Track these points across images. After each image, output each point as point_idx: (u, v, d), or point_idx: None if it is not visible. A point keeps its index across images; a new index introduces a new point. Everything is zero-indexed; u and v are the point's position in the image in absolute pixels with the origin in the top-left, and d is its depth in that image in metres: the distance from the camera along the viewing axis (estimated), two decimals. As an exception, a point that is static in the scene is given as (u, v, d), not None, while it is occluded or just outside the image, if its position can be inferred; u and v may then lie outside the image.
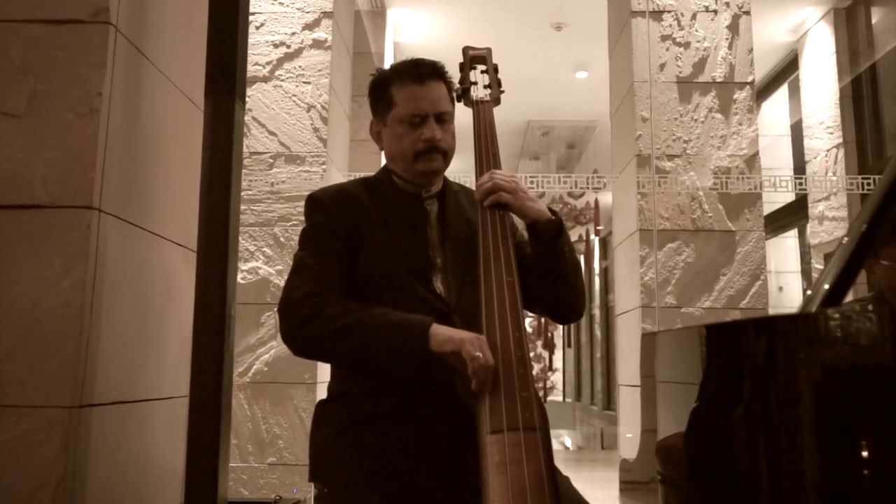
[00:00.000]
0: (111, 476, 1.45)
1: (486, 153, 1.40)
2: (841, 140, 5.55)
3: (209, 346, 1.51)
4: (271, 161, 3.51)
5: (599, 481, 5.34)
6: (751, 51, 3.53)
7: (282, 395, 3.33)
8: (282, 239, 3.45)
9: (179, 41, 1.76)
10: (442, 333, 1.17)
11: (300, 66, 3.59)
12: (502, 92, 1.50)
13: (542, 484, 1.05)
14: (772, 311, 7.37)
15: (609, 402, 13.23)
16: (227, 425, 1.61)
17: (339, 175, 3.79)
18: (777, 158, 7.40)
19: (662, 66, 3.50)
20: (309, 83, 3.57)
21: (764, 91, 7.06)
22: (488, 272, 1.24)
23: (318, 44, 3.60)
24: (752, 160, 3.45)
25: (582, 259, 11.17)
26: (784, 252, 7.41)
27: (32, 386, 1.31)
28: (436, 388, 1.21)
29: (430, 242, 1.36)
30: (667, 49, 3.51)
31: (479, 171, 1.39)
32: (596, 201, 8.63)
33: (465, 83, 1.48)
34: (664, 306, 3.33)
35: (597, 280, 14.45)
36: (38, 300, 1.33)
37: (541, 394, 9.69)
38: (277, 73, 3.59)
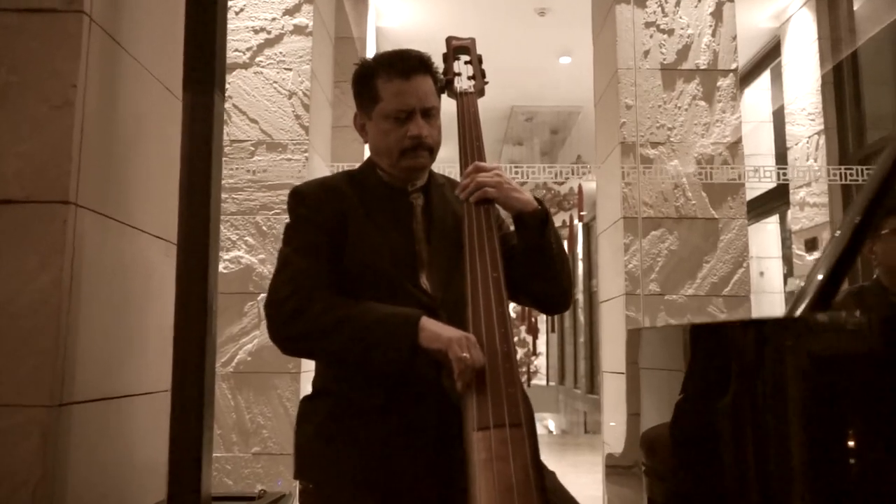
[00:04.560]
0: (93, 474, 1.43)
1: (471, 146, 1.39)
2: (822, 127, 5.58)
3: (191, 341, 1.49)
4: (252, 149, 3.47)
5: (583, 465, 5.40)
6: (734, 38, 3.53)
7: (265, 384, 3.31)
8: (264, 227, 3.42)
9: (157, 30, 1.72)
10: (431, 329, 1.16)
11: (281, 53, 3.53)
12: (486, 83, 1.48)
13: (529, 480, 1.05)
14: (753, 297, 7.42)
15: (592, 386, 13.33)
16: (210, 419, 1.59)
17: (321, 163, 3.76)
18: (759, 144, 7.43)
19: (646, 54, 3.49)
20: (290, 70, 3.52)
21: (746, 77, 7.08)
22: (474, 268, 1.23)
23: (298, 29, 3.55)
24: (735, 148, 3.46)
25: (565, 244, 11.21)
26: (765, 237, 7.47)
27: (9, 384, 1.28)
28: (422, 382, 1.20)
29: (416, 237, 1.34)
30: (651, 36, 3.49)
31: (464, 165, 1.37)
32: (580, 187, 8.65)
33: (449, 74, 1.46)
34: (648, 293, 3.34)
35: (580, 265, 14.51)
36: (14, 297, 1.31)
37: (524, 378, 9.72)
38: (258, 59, 3.54)
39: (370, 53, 5.91)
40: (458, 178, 1.43)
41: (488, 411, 1.10)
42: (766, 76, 7.10)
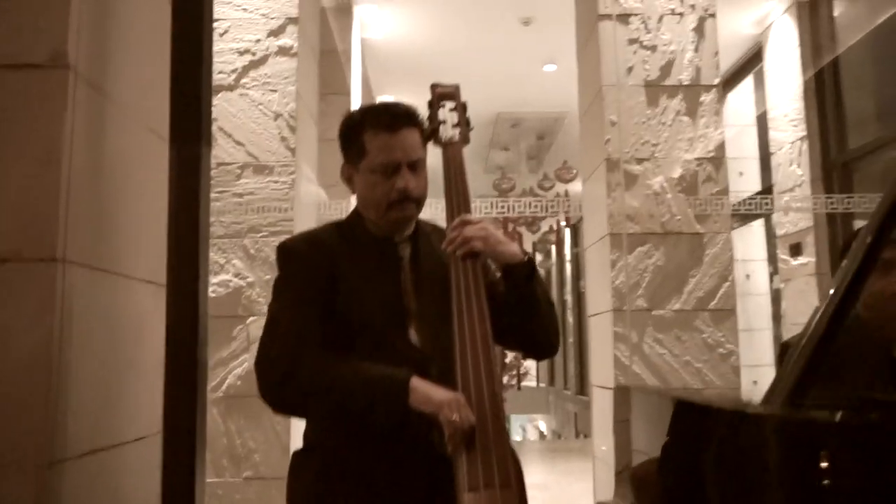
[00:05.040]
0: (85, 527, 1.43)
1: (457, 197, 1.40)
2: (805, 133, 5.64)
3: (182, 392, 1.50)
4: (239, 171, 3.47)
5: (575, 472, 5.43)
6: (716, 53, 3.56)
7: (256, 408, 3.30)
8: (252, 251, 3.42)
9: (142, 74, 1.72)
10: (421, 391, 1.18)
11: (266, 74, 3.53)
12: (471, 129, 1.50)
13: (520, 541, 1.07)
14: (740, 300, 7.48)
15: (583, 387, 13.39)
16: (203, 466, 1.60)
17: (308, 185, 3.76)
18: (742, 148, 7.50)
19: (630, 70, 3.51)
20: (275, 91, 3.53)
21: (730, 81, 7.13)
22: (461, 325, 1.25)
23: (283, 51, 3.55)
24: (719, 162, 3.49)
25: (553, 248, 11.29)
26: (750, 240, 7.53)
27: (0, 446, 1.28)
28: (413, 437, 1.21)
29: (404, 289, 1.36)
30: (634, 52, 3.52)
31: (450, 216, 1.39)
32: (566, 192, 8.68)
33: (434, 123, 1.47)
34: (635, 309, 3.37)
35: (568, 266, 14.56)
36: (3, 356, 1.30)
37: (514, 380, 9.74)
38: (243, 81, 3.54)
39: (355, 66, 5.91)
40: (443, 223, 1.44)
41: (479, 472, 1.11)
42: (749, 81, 7.16)
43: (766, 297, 7.46)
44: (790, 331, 6.00)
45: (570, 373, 15.07)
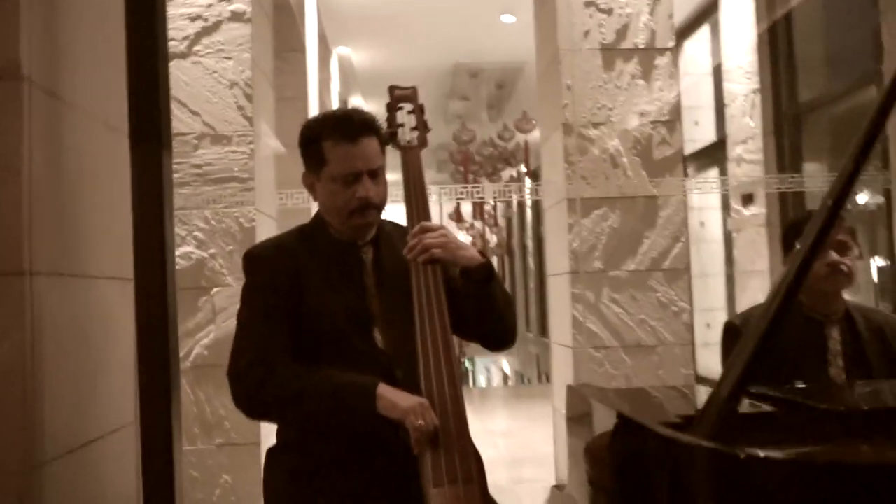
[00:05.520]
0: (68, 523, 1.49)
1: (416, 203, 1.45)
2: (758, 86, 5.74)
3: (156, 381, 1.55)
4: (196, 142, 3.43)
5: (537, 419, 5.61)
6: (671, 16, 3.60)
7: (224, 377, 3.36)
8: (213, 222, 3.42)
9: (98, 73, 1.71)
10: (387, 398, 1.25)
11: (219, 41, 3.46)
12: (429, 130, 1.53)
13: (482, 532, 1.17)
14: (694, 247, 7.68)
15: (544, 329, 13.72)
16: (179, 454, 1.66)
17: (267, 154, 3.74)
18: (699, 97, 7.59)
19: (586, 34, 3.53)
20: (230, 59, 3.46)
21: (687, 30, 7.16)
22: (423, 330, 1.31)
23: (236, 16, 3.48)
24: (673, 125, 3.57)
25: (515, 199, 11.41)
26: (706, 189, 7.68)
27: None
28: (381, 436, 1.29)
29: (368, 291, 1.41)
30: (590, 16, 3.53)
31: (410, 220, 1.44)
32: (525, 143, 8.73)
33: (393, 126, 1.51)
34: (592, 271, 3.48)
35: (529, 213, 14.72)
36: (-25, 368, 1.34)
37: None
38: (196, 48, 3.46)
39: (310, 21, 5.80)
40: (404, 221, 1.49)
41: (443, 469, 1.20)
42: (705, 30, 7.20)
43: (720, 244, 7.67)
44: (742, 277, 6.23)
45: (532, 316, 15.39)
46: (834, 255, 1.69)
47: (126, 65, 1.45)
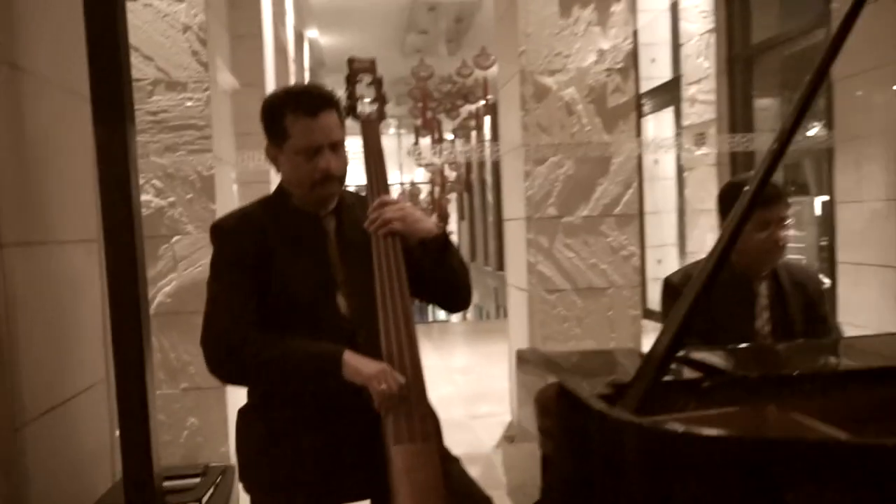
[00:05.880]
0: (50, 476, 1.58)
1: (376, 177, 1.51)
2: (713, 26, 5.80)
3: (129, 338, 1.61)
4: (150, 88, 3.37)
5: (495, 355, 5.80)
6: (627, -38, 3.62)
7: (188, 324, 3.41)
8: (170, 170, 3.40)
9: (56, 38, 1.70)
10: (352, 365, 1.34)
11: (170, -17, 3.38)
12: (387, 103, 1.58)
13: (439, 485, 1.29)
14: (647, 184, 7.83)
15: (501, 263, 13.95)
16: (153, 406, 1.75)
17: (224, 100, 3.70)
18: (656, 34, 7.63)
19: (544, -21, 3.54)
20: (182, 2, 3.38)
21: (645, -35, 7.14)
22: (384, 298, 1.40)
23: (187, -44, 3.38)
24: (627, 73, 3.63)
25: (474, 134, 11.41)
26: (661, 126, 7.82)
27: (-37, 419, 1.40)
28: (346, 396, 1.39)
29: (331, 260, 1.49)
30: (548, -39, 3.53)
31: (371, 193, 1.50)
32: (485, 79, 8.69)
33: (353, 99, 1.55)
34: (547, 217, 3.60)
35: (487, 147, 14.73)
36: (-46, 340, 1.39)
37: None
38: (146, -10, 3.37)
39: (263, -44, 5.61)
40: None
41: (403, 428, 1.31)
42: (664, -35, 7.18)
43: (673, 181, 7.86)
44: (692, 216, 6.43)
45: (490, 250, 15.62)
46: (779, 233, 1.83)
47: (87, 44, 1.46)
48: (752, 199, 1.34)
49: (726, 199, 1.90)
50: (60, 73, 1.73)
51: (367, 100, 1.57)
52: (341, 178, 1.48)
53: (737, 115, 5.72)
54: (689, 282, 1.35)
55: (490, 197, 14.99)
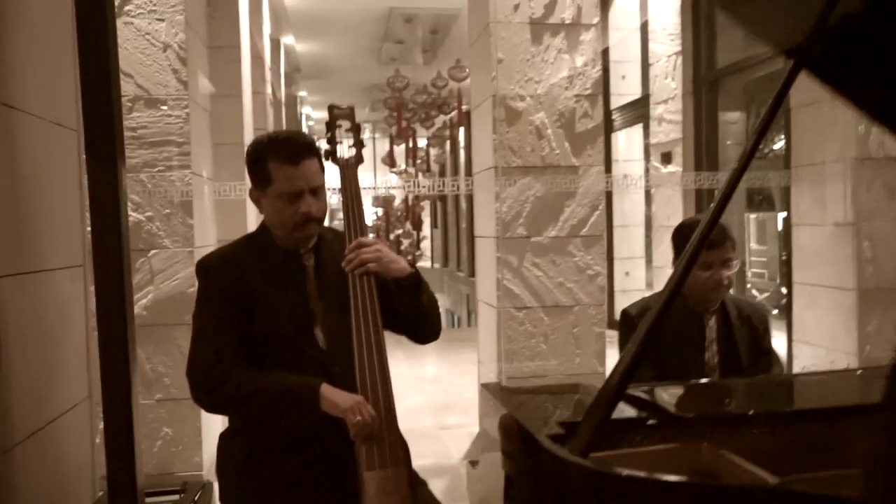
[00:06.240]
0: (36, 495, 1.66)
1: (354, 219, 1.62)
2: (680, 48, 5.99)
3: (116, 359, 1.68)
4: (130, 105, 3.43)
5: (465, 365, 5.92)
6: (597, -7, 3.76)
7: (163, 336, 3.49)
8: (149, 185, 3.47)
9: (46, 74, 1.78)
10: (329, 398, 1.45)
11: (151, 2, 3.44)
12: (363, 147, 1.69)
13: (408, 508, 1.41)
14: (616, 196, 8.00)
15: (474, 270, 14.10)
16: (138, 429, 1.82)
17: (203, 117, 3.77)
18: (627, 53, 7.82)
19: (516, 7, 3.67)
20: (163, 20, 3.45)
21: (617, -16, 7.33)
22: (359, 335, 1.51)
23: (168, -24, 3.45)
24: (595, 99, 3.78)
25: (448, 144, 11.54)
26: (630, 142, 8.01)
27: (-44, 443, 1.47)
28: (323, 425, 1.49)
29: (310, 295, 1.59)
30: (521, -11, 3.66)
31: (348, 232, 1.61)
32: (459, 91, 8.81)
33: (333, 144, 1.66)
34: (516, 236, 3.72)
35: (462, 153, 14.87)
36: (-52, 368, 1.47)
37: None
38: (127, 8, 3.43)
39: (242, -32, 5.66)
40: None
41: (375, 455, 1.42)
42: (635, -16, 7.36)
43: (641, 195, 8.06)
44: (658, 231, 6.61)
45: (463, 256, 15.76)
46: (721, 272, 1.97)
47: (80, 88, 1.54)
48: (699, 242, 1.47)
49: (678, 239, 2.04)
50: (48, 108, 1.81)
51: (346, 144, 1.68)
52: (321, 219, 1.59)
53: (702, 135, 5.91)
54: (643, 317, 1.48)
55: (464, 203, 15.12)
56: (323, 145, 1.63)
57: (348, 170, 1.65)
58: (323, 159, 1.59)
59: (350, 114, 1.69)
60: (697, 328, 2.03)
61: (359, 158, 1.68)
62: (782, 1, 1.13)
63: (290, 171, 1.51)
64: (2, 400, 1.51)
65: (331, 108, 1.69)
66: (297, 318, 1.56)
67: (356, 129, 1.68)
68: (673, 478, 0.96)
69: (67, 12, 1.88)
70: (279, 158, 1.51)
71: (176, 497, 1.81)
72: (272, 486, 1.51)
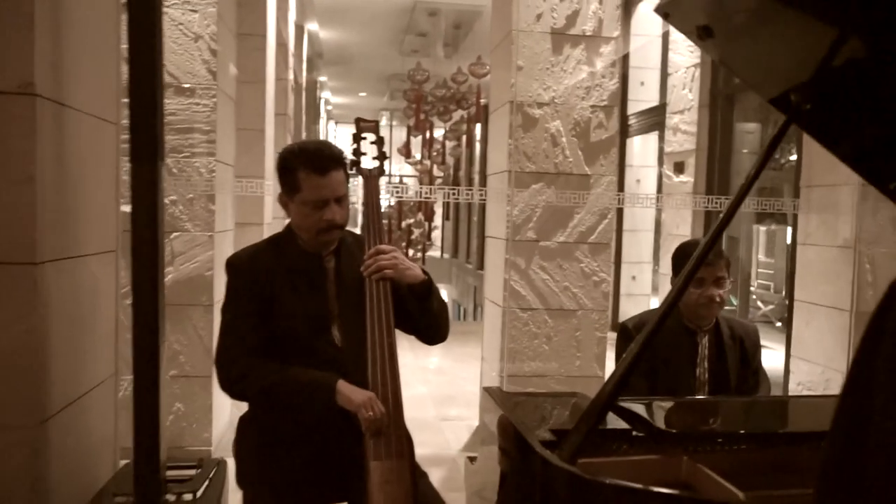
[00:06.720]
0: (66, 464, 1.79)
1: (373, 227, 1.73)
2: (699, 60, 6.05)
3: (147, 336, 1.80)
4: (161, 91, 3.56)
5: (469, 359, 6.04)
6: (618, 7, 3.85)
7: (180, 315, 3.63)
8: (174, 170, 3.60)
9: (91, 76, 1.90)
10: (344, 394, 1.57)
11: (186, -7, 3.56)
12: (386, 159, 1.81)
13: (410, 496, 1.53)
14: (628, 201, 8.07)
15: (482, 262, 14.22)
16: (163, 405, 1.94)
17: (229, 106, 3.89)
18: (647, 59, 7.88)
19: (539, 17, 3.76)
20: (196, 11, 3.57)
21: (641, -9, 7.38)
22: (373, 334, 1.63)
23: (202, -32, 3.56)
24: (611, 111, 3.87)
25: (464, 139, 11.64)
26: (646, 149, 8.09)
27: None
28: (335, 416, 1.62)
29: (329, 296, 1.71)
30: (544, 0, 3.75)
31: (368, 239, 1.73)
32: (478, 87, 8.89)
33: (357, 155, 1.77)
34: (526, 239, 3.83)
35: (478, 146, 14.96)
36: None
37: (420, 255, 10.27)
38: (163, -2, 3.55)
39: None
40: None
41: (381, 447, 1.54)
42: (658, -7, 7.41)
43: (653, 202, 8.13)
44: (667, 240, 6.70)
45: (472, 248, 15.86)
46: (713, 290, 2.08)
47: (128, 93, 1.66)
48: (696, 262, 1.58)
49: (677, 260, 2.14)
50: (93, 103, 1.93)
51: (370, 156, 1.79)
52: (343, 225, 1.71)
53: (716, 148, 5.99)
54: (639, 332, 1.59)
55: (476, 196, 15.19)
56: (348, 154, 1.75)
57: (371, 181, 1.77)
58: (347, 169, 1.70)
59: (375, 127, 1.80)
60: (691, 345, 2.14)
61: (381, 170, 1.80)
62: (774, 56, 1.23)
63: (317, 181, 1.63)
64: (41, 376, 1.64)
65: (357, 121, 1.80)
66: (317, 317, 1.68)
67: (380, 142, 1.80)
68: (651, 488, 1.07)
69: (113, 9, 2.00)
70: (308, 168, 1.63)
71: (192, 472, 1.94)
72: (285, 469, 1.64)
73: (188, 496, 1.78)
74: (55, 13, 1.68)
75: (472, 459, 1.99)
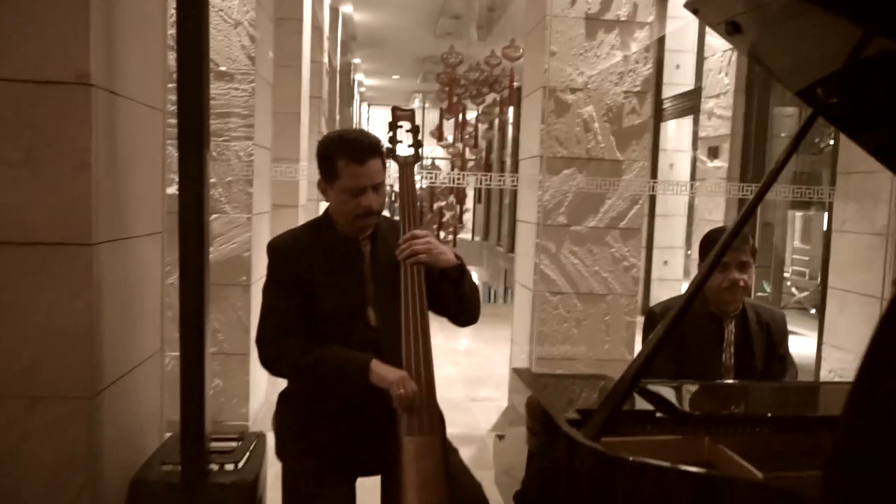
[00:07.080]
0: (117, 434, 1.90)
1: (409, 213, 1.80)
2: (736, 43, 5.98)
3: (194, 314, 1.89)
4: (201, 76, 3.65)
5: (498, 340, 6.11)
6: (653, -8, 3.83)
7: (219, 294, 3.75)
8: (214, 154, 3.70)
9: (143, 62, 1.99)
10: (377, 372, 1.65)
11: (226, -20, 3.64)
12: (421, 146, 1.87)
13: (441, 470, 1.60)
14: (660, 186, 8.04)
15: (513, 245, 14.22)
16: (207, 377, 2.04)
17: (266, 91, 3.97)
18: (683, 42, 7.79)
19: (573, 2, 3.77)
20: (236, -2, 3.65)
21: (678, -27, 7.28)
22: (407, 317, 1.70)
23: (243, -45, 3.63)
24: (643, 97, 3.87)
25: (496, 122, 11.65)
26: (680, 133, 8.02)
27: (59, 382, 1.71)
28: (370, 394, 1.70)
29: (365, 279, 1.79)
30: (579, -15, 3.76)
31: (403, 224, 1.79)
32: (511, 70, 8.88)
33: (393, 143, 1.84)
34: (556, 224, 3.87)
35: (510, 128, 14.93)
36: (54, 319, 1.70)
37: (451, 237, 10.32)
38: (204, -16, 3.63)
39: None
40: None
41: (414, 423, 1.62)
42: (696, -25, 7.30)
43: (686, 187, 8.08)
44: (699, 225, 6.66)
45: (504, 231, 15.87)
46: (736, 274, 2.10)
47: (177, 83, 1.74)
48: (721, 248, 1.61)
49: (704, 246, 2.17)
50: (141, 91, 2.02)
51: (405, 144, 1.85)
52: (379, 211, 1.78)
53: (751, 133, 5.93)
54: (665, 317, 1.64)
55: (508, 179, 15.18)
56: (385, 142, 1.81)
57: (406, 168, 1.83)
58: (384, 158, 1.77)
59: (411, 116, 1.86)
60: (717, 331, 2.18)
61: (416, 158, 1.86)
62: (801, 51, 1.26)
63: (355, 170, 1.70)
64: (97, 350, 1.75)
65: (394, 110, 1.86)
66: (353, 299, 1.76)
67: (415, 131, 1.86)
68: (671, 464, 1.13)
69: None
70: (347, 157, 1.70)
71: (234, 444, 2.04)
72: (322, 443, 1.72)
73: (230, 466, 1.87)
74: (108, 3, 1.77)
75: (500, 437, 2.06)
